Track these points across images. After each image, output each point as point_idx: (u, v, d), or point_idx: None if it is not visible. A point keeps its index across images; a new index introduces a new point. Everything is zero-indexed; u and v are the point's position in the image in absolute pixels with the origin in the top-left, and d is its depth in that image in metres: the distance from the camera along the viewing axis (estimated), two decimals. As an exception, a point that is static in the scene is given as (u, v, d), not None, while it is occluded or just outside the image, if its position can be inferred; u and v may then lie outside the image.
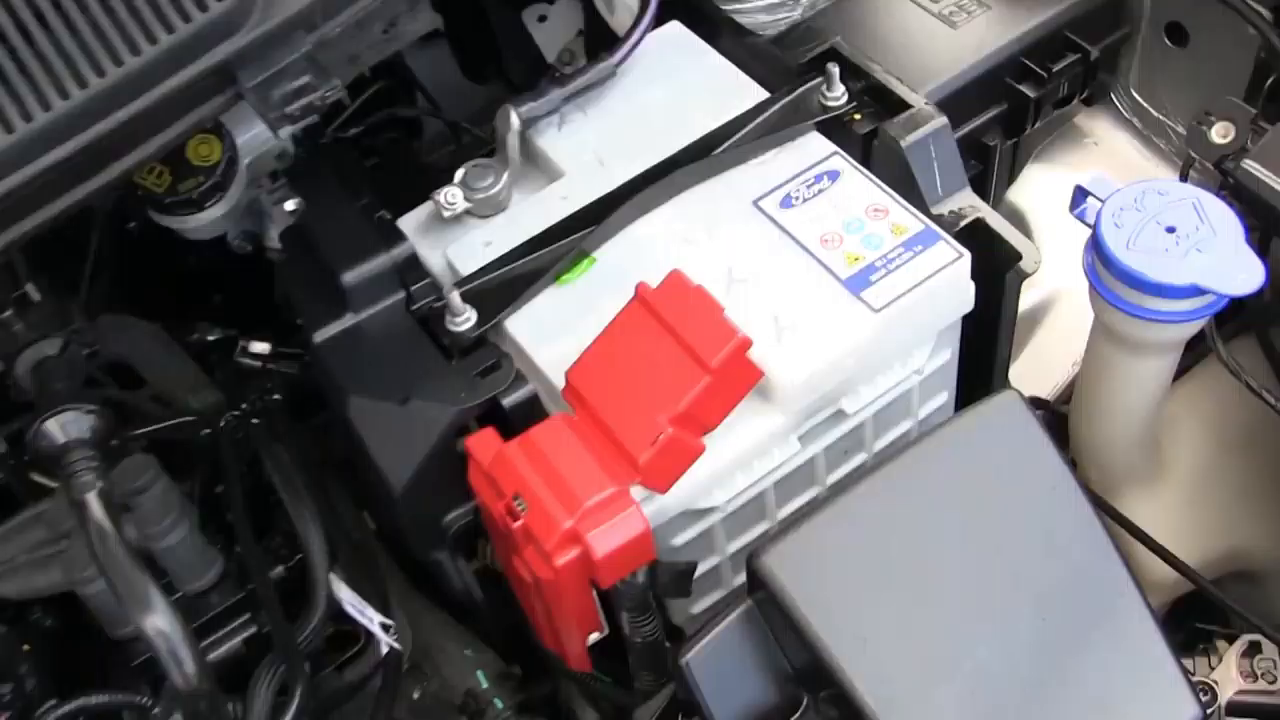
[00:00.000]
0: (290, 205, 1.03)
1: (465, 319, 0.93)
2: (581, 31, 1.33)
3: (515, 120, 1.00)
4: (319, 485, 1.01)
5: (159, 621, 0.74)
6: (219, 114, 0.89)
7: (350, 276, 0.94)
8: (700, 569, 0.94)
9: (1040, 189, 1.34)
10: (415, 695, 1.06)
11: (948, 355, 0.99)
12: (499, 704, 1.01)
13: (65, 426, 0.80)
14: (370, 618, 0.96)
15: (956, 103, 1.11)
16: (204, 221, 1.08)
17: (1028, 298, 1.14)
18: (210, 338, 1.15)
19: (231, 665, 0.95)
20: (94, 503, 0.77)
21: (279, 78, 0.85)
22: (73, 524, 0.94)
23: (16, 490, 0.99)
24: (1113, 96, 1.32)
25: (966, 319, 0.97)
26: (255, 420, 1.03)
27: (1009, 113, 1.21)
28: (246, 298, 1.16)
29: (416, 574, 1.07)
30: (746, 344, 0.82)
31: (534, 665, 1.04)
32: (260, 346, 1.08)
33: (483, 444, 0.88)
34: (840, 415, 0.93)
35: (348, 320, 0.95)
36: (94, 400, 0.85)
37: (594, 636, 0.93)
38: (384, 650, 0.94)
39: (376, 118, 1.24)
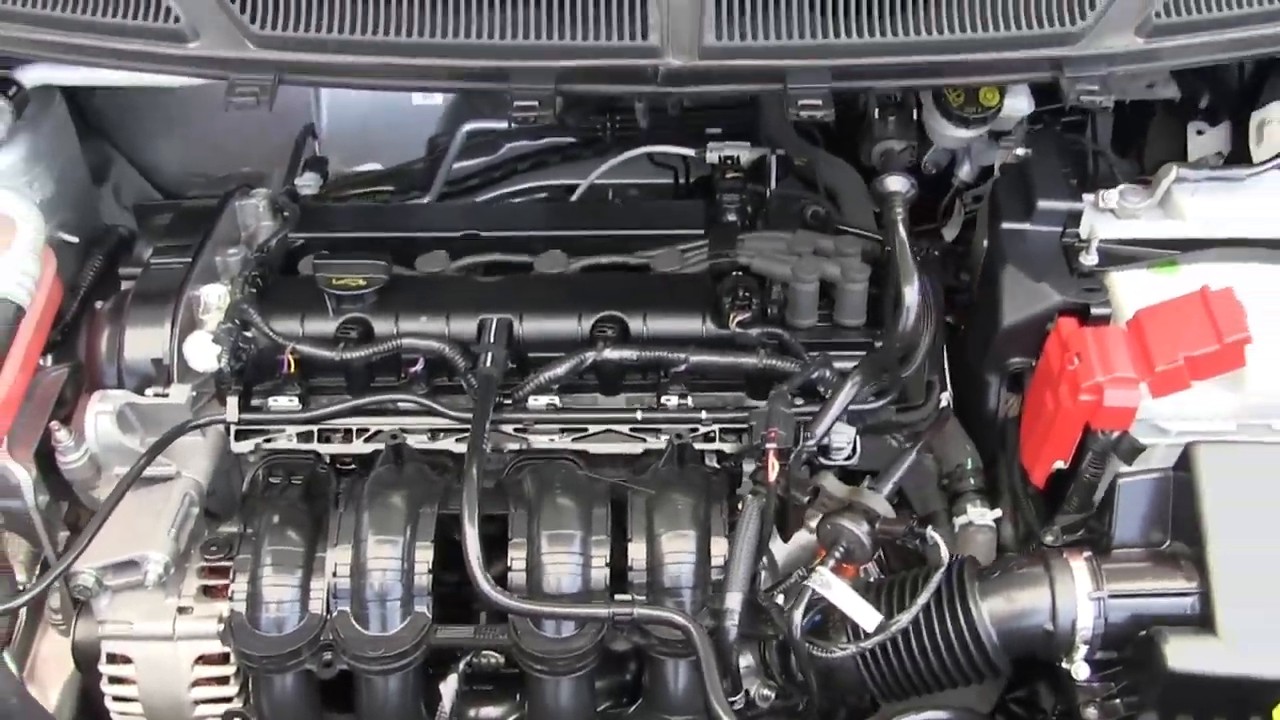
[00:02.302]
0: (1020, 152, 1.85)
1: (1093, 259, 1.72)
2: (1220, 154, 2.07)
3: (1175, 173, 1.78)
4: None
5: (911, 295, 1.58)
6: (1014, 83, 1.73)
7: (1042, 204, 1.75)
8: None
9: None
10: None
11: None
12: (973, 481, 1.79)
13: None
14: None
15: None
16: (954, 136, 1.92)
17: None
18: None
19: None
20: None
21: (1076, 82, 1.66)
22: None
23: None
24: None
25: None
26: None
27: None
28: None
29: None
30: (1248, 339, 1.55)
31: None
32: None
33: (1069, 323, 1.67)
34: (1269, 429, 1.65)
35: (1024, 225, 1.76)
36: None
37: (1058, 464, 1.70)
38: (943, 404, 1.76)
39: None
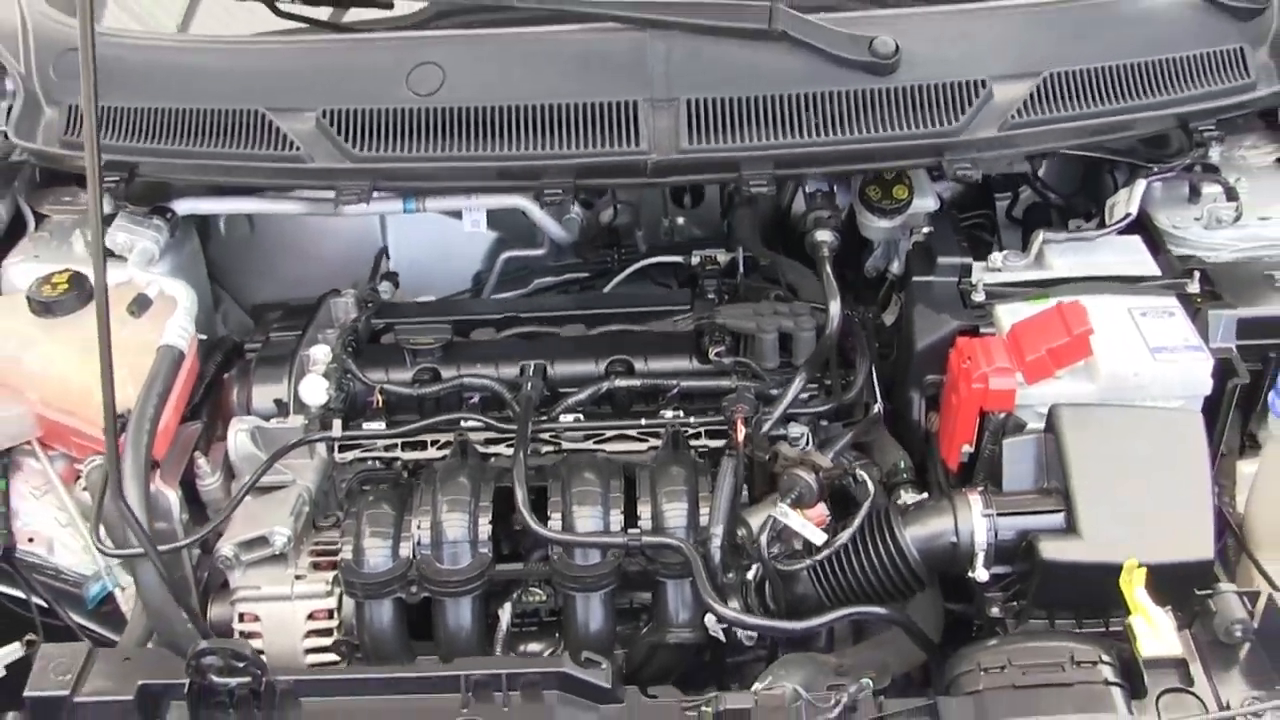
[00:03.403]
0: (926, 230, 2.48)
1: (981, 296, 2.33)
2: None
3: (1043, 236, 2.41)
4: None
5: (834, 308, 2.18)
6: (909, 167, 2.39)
7: (941, 260, 2.37)
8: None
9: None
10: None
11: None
12: (905, 475, 2.33)
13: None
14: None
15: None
16: (878, 227, 2.56)
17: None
18: None
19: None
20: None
21: (954, 163, 2.30)
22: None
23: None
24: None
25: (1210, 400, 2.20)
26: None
27: None
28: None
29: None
30: (1090, 331, 2.13)
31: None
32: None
33: (965, 339, 2.25)
34: (1122, 408, 2.21)
35: (930, 277, 2.38)
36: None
37: (966, 448, 2.25)
38: (875, 410, 2.33)
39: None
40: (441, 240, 2.93)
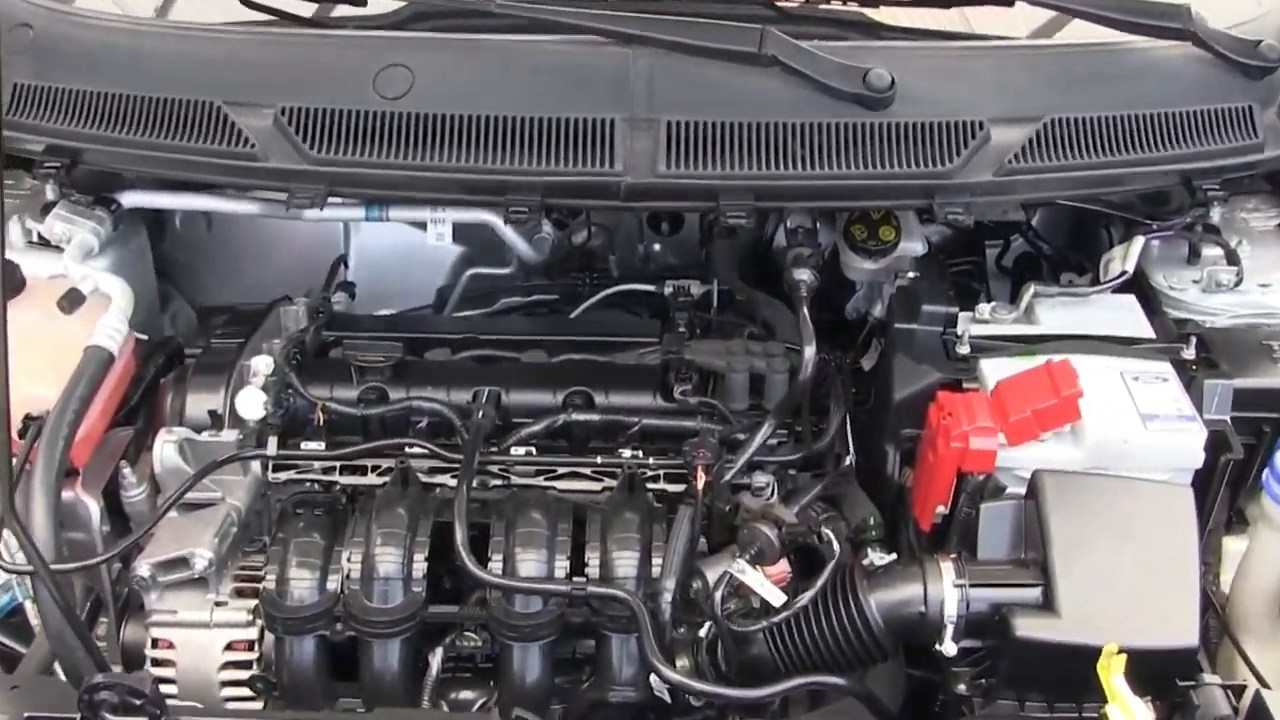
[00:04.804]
0: (912, 275, 2.30)
1: (965, 348, 2.15)
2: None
3: (1033, 289, 2.24)
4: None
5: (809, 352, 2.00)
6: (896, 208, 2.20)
7: (926, 308, 2.19)
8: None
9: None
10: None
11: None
12: (874, 533, 2.15)
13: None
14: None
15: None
16: (862, 268, 2.38)
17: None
18: None
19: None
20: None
21: (945, 206, 2.12)
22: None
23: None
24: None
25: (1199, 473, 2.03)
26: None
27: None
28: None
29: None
30: (1079, 393, 1.96)
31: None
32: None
33: (946, 392, 2.08)
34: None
35: (913, 325, 2.20)
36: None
37: (940, 509, 2.07)
38: (846, 463, 2.15)
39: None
40: (405, 251, 2.76)
